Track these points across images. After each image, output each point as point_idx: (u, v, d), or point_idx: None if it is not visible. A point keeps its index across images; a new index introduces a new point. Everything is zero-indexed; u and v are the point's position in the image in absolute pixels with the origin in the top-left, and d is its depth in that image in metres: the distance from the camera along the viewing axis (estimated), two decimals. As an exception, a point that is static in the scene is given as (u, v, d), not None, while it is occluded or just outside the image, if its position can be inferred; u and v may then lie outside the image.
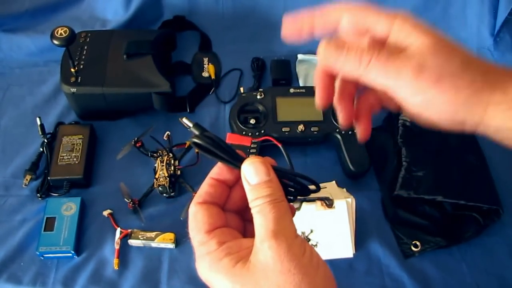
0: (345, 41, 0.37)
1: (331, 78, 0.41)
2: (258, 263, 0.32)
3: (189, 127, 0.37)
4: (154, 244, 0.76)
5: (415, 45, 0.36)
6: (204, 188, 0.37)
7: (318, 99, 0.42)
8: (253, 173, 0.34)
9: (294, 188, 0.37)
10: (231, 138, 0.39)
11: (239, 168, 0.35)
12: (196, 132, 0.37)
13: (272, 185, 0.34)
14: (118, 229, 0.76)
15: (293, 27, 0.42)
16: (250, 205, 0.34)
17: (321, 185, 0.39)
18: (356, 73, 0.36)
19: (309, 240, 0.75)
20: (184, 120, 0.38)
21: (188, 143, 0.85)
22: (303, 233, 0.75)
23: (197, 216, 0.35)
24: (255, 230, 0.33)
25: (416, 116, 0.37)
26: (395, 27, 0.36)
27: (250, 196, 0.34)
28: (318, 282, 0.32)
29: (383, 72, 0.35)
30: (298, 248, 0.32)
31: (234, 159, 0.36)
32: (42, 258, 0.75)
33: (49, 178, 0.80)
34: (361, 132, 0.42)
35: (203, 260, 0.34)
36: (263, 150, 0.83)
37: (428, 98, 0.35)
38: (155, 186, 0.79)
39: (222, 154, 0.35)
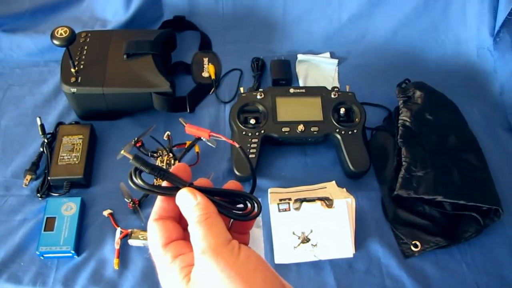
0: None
1: None
2: (196, 278, 0.34)
3: (129, 159, 0.39)
4: (154, 244, 0.76)
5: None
6: (158, 204, 0.39)
7: None
8: (184, 203, 0.37)
9: (232, 201, 0.40)
10: (189, 129, 0.42)
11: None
12: (135, 166, 0.38)
13: (200, 206, 0.36)
14: (118, 229, 0.76)
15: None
16: (189, 230, 0.36)
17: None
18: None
19: (309, 240, 0.75)
20: (123, 153, 0.40)
21: (188, 143, 0.85)
22: (303, 233, 0.75)
23: (153, 232, 0.37)
24: (193, 249, 0.35)
25: None
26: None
27: (187, 220, 0.37)
28: (258, 285, 0.33)
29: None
30: (229, 256, 0.33)
31: (173, 189, 0.38)
32: (42, 258, 0.75)
33: (49, 178, 0.80)
34: None
35: (162, 272, 0.37)
36: (263, 150, 0.83)
37: None
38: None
39: (158, 190, 0.39)
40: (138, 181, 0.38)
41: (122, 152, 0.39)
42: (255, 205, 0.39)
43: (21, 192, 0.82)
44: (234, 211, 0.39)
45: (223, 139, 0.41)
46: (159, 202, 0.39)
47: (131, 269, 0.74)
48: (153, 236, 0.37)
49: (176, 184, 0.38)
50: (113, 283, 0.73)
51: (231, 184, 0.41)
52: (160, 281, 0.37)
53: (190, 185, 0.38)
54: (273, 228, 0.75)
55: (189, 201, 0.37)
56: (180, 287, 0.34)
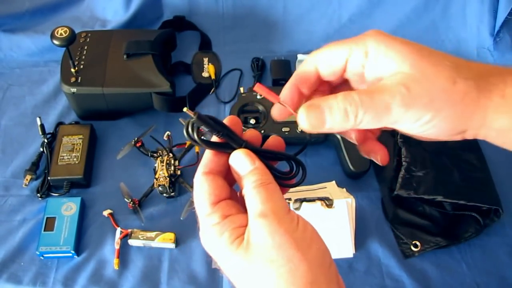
0: (323, 98, 0.35)
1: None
2: (251, 240, 0.33)
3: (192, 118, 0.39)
4: (154, 244, 0.76)
5: (395, 73, 0.34)
6: (208, 157, 0.37)
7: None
8: (240, 165, 0.36)
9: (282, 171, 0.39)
10: (259, 89, 0.39)
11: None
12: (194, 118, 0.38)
13: (258, 171, 0.35)
14: (118, 229, 0.76)
15: (285, 111, 0.40)
16: (243, 193, 0.36)
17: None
18: (349, 127, 0.35)
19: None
20: (185, 110, 0.40)
21: (188, 143, 0.85)
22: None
23: (203, 187, 0.36)
24: (248, 212, 0.34)
25: (416, 136, 0.37)
26: (370, 56, 0.36)
27: (241, 185, 0.36)
28: (312, 256, 0.33)
29: (373, 116, 0.34)
30: (289, 223, 0.33)
31: (227, 147, 0.37)
32: (42, 258, 0.75)
33: (49, 178, 0.80)
34: (382, 157, 0.42)
35: (206, 232, 0.35)
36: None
37: (425, 121, 0.34)
38: (155, 186, 0.79)
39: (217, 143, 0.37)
40: (194, 136, 0.37)
41: (184, 109, 0.40)
42: (300, 169, 0.38)
43: (21, 192, 0.82)
44: (280, 175, 0.38)
45: (290, 110, 0.40)
46: (210, 155, 0.37)
47: (131, 269, 0.74)
48: (202, 192, 0.36)
49: (232, 142, 0.36)
50: (113, 283, 0.73)
51: (274, 140, 0.40)
52: (202, 241, 0.36)
53: (246, 145, 0.37)
54: (273, 228, 0.75)
55: (246, 165, 0.36)
56: (228, 248, 0.34)
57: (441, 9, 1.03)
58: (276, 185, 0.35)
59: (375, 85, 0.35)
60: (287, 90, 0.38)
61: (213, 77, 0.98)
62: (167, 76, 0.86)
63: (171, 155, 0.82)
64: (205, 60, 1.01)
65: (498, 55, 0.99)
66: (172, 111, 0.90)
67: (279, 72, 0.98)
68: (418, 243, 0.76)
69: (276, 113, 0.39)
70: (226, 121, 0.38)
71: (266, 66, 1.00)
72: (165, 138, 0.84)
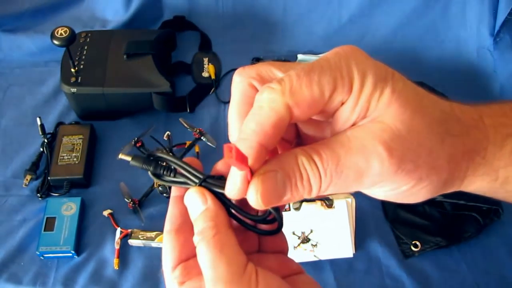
0: (276, 162, 0.27)
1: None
2: None
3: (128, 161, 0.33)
4: (154, 244, 0.76)
5: (376, 122, 0.27)
6: (169, 209, 0.32)
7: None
8: (191, 207, 0.30)
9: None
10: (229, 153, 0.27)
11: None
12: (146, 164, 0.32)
13: (206, 215, 0.29)
14: (118, 229, 0.76)
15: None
16: None
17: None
18: (307, 197, 0.28)
19: (309, 240, 0.75)
20: (121, 156, 0.34)
21: (188, 143, 0.85)
22: (303, 233, 0.75)
23: (163, 249, 0.31)
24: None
25: (386, 200, 0.31)
26: (353, 93, 0.27)
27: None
28: None
29: (340, 188, 0.28)
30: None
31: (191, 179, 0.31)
32: (42, 258, 0.75)
33: (49, 178, 0.80)
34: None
35: None
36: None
37: (403, 190, 0.29)
38: (155, 186, 0.79)
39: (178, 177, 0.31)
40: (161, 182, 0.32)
41: (120, 155, 0.33)
42: (278, 214, 0.30)
43: (21, 192, 0.82)
44: (252, 219, 0.31)
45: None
46: (170, 206, 0.32)
47: (131, 269, 0.74)
48: (163, 254, 0.31)
49: (188, 180, 0.30)
50: (113, 283, 0.73)
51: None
52: None
53: (205, 180, 0.30)
54: (273, 228, 0.75)
55: (196, 206, 0.29)
56: None
57: (441, 9, 1.03)
58: (227, 232, 0.28)
59: (344, 135, 0.27)
60: (253, 152, 0.26)
61: (213, 77, 0.98)
62: (167, 76, 0.86)
63: (171, 154, 0.82)
64: (205, 60, 1.01)
65: (498, 55, 0.99)
66: (172, 111, 0.90)
67: (279, 72, 0.98)
68: (418, 243, 0.76)
69: (237, 188, 0.27)
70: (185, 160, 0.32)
71: (266, 66, 1.00)
72: (165, 138, 0.84)
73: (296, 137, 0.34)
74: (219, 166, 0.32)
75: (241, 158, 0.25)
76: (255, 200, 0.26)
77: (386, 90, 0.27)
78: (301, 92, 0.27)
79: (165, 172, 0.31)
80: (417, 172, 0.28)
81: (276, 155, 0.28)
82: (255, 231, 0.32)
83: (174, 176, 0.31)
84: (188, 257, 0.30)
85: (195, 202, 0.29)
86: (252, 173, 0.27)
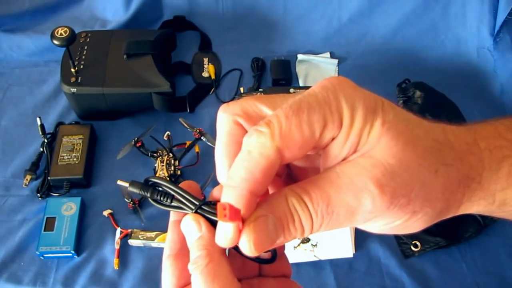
0: (266, 206, 0.26)
1: None
2: None
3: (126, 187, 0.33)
4: (154, 244, 0.76)
5: (366, 157, 0.26)
6: (168, 235, 0.32)
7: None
8: (186, 233, 0.30)
9: None
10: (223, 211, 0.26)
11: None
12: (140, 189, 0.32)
13: (200, 243, 0.28)
14: (118, 229, 0.76)
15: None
16: None
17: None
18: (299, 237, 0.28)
19: (309, 240, 0.75)
20: (119, 183, 0.34)
21: (188, 143, 0.85)
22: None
23: (164, 274, 0.31)
24: None
25: (378, 233, 0.30)
26: (343, 129, 0.26)
27: None
28: None
29: (332, 227, 0.27)
30: None
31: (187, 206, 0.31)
32: (42, 258, 0.75)
33: (49, 178, 0.80)
34: None
35: None
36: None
37: (396, 224, 0.28)
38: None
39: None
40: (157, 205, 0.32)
41: (118, 182, 0.34)
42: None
43: (21, 192, 0.82)
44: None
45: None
46: (169, 231, 0.32)
47: (131, 269, 0.74)
48: (162, 280, 0.31)
49: (184, 206, 0.30)
50: (113, 283, 0.73)
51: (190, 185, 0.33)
52: None
53: (200, 207, 0.29)
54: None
55: (191, 233, 0.29)
56: None
57: (441, 9, 1.03)
58: (220, 261, 0.28)
59: (334, 172, 0.27)
60: (244, 201, 0.26)
61: (213, 77, 0.98)
62: (167, 76, 0.86)
63: (171, 155, 0.82)
64: (205, 60, 1.01)
65: (498, 55, 0.99)
66: (172, 111, 0.90)
67: (279, 72, 0.98)
68: (418, 243, 0.76)
69: (229, 239, 0.26)
70: (181, 185, 0.31)
71: (266, 66, 1.00)
72: (165, 138, 0.84)
73: (286, 169, 0.33)
74: (216, 193, 0.31)
75: (234, 214, 0.25)
76: (248, 249, 0.26)
77: (376, 122, 0.26)
78: (291, 134, 0.25)
79: (162, 198, 0.31)
80: (410, 205, 0.27)
81: (266, 197, 0.27)
82: (250, 259, 0.31)
83: (171, 201, 0.31)
84: (186, 282, 0.30)
85: (190, 229, 0.29)
86: (243, 220, 0.26)
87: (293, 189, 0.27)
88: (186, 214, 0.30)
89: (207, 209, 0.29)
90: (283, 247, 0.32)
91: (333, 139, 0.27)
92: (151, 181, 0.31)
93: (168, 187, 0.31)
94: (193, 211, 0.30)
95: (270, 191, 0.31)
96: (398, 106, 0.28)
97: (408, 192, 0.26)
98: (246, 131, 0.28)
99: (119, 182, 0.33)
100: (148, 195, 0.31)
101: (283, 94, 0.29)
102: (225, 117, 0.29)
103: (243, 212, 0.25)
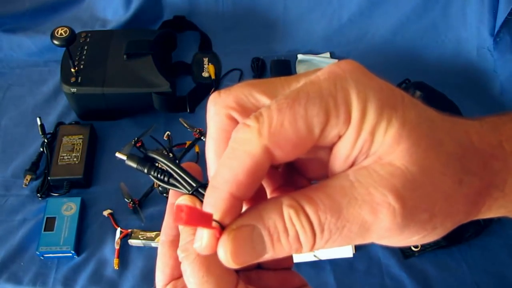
0: (256, 213, 0.23)
1: None
2: None
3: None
4: (154, 244, 0.76)
5: (383, 164, 0.22)
6: (165, 219, 0.29)
7: None
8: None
9: None
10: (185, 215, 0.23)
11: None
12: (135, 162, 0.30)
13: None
14: (118, 229, 0.76)
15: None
16: None
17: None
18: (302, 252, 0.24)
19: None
20: (117, 154, 0.32)
21: (188, 143, 0.85)
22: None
23: (159, 261, 0.29)
24: None
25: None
26: (353, 125, 0.22)
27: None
28: None
29: (340, 244, 0.23)
30: None
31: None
32: (42, 258, 0.75)
33: (49, 178, 0.80)
34: None
35: None
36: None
37: (414, 240, 0.24)
38: (155, 186, 0.79)
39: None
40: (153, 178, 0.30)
41: (117, 154, 0.31)
42: None
43: (21, 192, 0.82)
44: None
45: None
46: (166, 215, 0.29)
47: (131, 269, 0.74)
48: (156, 268, 0.28)
49: (181, 186, 0.28)
50: (113, 283, 0.73)
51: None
52: None
53: (197, 190, 0.27)
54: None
55: None
56: None
57: (441, 9, 1.03)
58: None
59: (347, 179, 0.23)
60: (224, 205, 0.22)
61: (213, 77, 0.98)
62: (167, 76, 0.86)
63: (171, 155, 0.82)
64: (205, 60, 1.01)
65: (498, 55, 0.99)
66: (172, 111, 0.90)
67: (279, 72, 0.98)
68: (418, 243, 0.76)
69: (203, 247, 0.23)
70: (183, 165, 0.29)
71: (266, 66, 1.00)
72: (165, 138, 0.84)
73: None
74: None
75: (197, 218, 0.21)
76: (225, 261, 0.22)
77: (394, 120, 0.22)
78: (283, 130, 0.22)
79: (159, 175, 0.29)
80: (432, 222, 0.23)
81: (255, 204, 0.23)
82: None
83: (169, 180, 0.29)
84: (180, 274, 0.27)
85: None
86: (223, 228, 0.23)
87: (294, 197, 0.23)
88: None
89: (204, 192, 0.27)
90: None
91: (340, 137, 0.23)
92: (151, 156, 0.29)
93: (167, 164, 0.29)
94: (190, 192, 0.27)
95: (267, 190, 0.28)
96: (419, 102, 0.24)
97: (431, 207, 0.23)
98: None
99: (117, 154, 0.31)
100: (145, 170, 0.29)
101: (286, 78, 0.25)
102: (217, 110, 0.25)
103: (220, 217, 0.22)
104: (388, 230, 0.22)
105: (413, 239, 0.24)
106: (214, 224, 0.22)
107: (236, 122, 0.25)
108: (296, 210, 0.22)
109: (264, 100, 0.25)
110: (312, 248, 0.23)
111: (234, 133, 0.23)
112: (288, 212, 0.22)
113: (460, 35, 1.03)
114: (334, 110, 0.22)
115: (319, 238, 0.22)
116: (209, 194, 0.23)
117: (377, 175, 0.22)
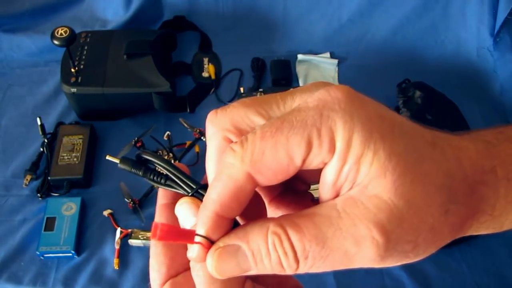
0: (241, 234, 0.24)
1: None
2: None
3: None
4: (154, 244, 0.76)
5: (369, 196, 0.23)
6: (156, 221, 0.29)
7: None
8: (182, 219, 0.27)
9: None
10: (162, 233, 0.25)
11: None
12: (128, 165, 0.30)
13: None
14: (118, 229, 0.76)
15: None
16: None
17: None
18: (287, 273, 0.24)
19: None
20: (108, 158, 0.32)
21: (188, 143, 0.85)
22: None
23: (152, 260, 0.29)
24: None
25: None
26: (337, 156, 0.23)
27: None
28: None
29: (324, 269, 0.24)
30: None
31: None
32: (42, 258, 0.75)
33: (49, 178, 0.80)
34: None
35: None
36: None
37: (393, 265, 0.25)
38: (155, 186, 0.79)
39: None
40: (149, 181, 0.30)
41: (107, 157, 0.31)
42: None
43: (21, 192, 0.82)
44: None
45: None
46: (157, 215, 0.30)
47: (131, 269, 0.74)
48: (151, 268, 0.28)
49: (179, 188, 0.28)
50: (113, 283, 0.73)
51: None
52: None
53: (197, 191, 0.27)
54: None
55: (188, 218, 0.26)
56: None
57: (441, 9, 1.03)
58: None
59: (334, 209, 0.23)
60: (209, 223, 0.24)
61: (213, 77, 0.98)
62: (167, 76, 0.86)
63: (171, 155, 0.82)
64: (205, 60, 1.01)
65: (498, 55, 0.99)
66: (172, 111, 0.90)
67: (279, 72, 0.98)
68: (418, 243, 0.76)
69: (194, 257, 0.25)
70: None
71: (266, 66, 1.00)
72: (165, 138, 0.84)
73: None
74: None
75: (176, 235, 0.24)
76: (212, 273, 0.24)
77: (381, 152, 0.22)
78: (264, 159, 0.22)
79: (155, 178, 0.29)
80: (415, 250, 0.24)
81: (245, 224, 0.24)
82: None
83: (165, 182, 0.28)
84: (177, 272, 0.28)
85: (187, 213, 0.27)
86: (213, 242, 0.24)
87: (281, 222, 0.23)
88: (179, 195, 0.28)
89: (204, 193, 0.27)
90: None
91: (325, 163, 0.23)
92: (143, 157, 0.29)
93: (162, 166, 0.28)
94: (190, 194, 0.27)
95: (266, 200, 0.29)
96: (411, 129, 0.24)
97: (415, 238, 0.23)
98: None
99: (108, 157, 0.31)
100: (141, 174, 0.29)
101: (282, 95, 0.26)
102: (214, 132, 0.26)
103: (206, 234, 0.24)
104: (370, 261, 0.23)
105: (395, 265, 0.24)
106: (201, 239, 0.24)
107: None
108: (278, 237, 0.23)
109: (258, 120, 0.25)
110: (295, 272, 0.24)
111: (223, 156, 0.24)
112: (272, 238, 0.23)
113: (460, 35, 1.03)
114: (317, 140, 0.22)
115: (303, 264, 0.23)
116: (199, 211, 0.24)
117: (364, 207, 0.22)
